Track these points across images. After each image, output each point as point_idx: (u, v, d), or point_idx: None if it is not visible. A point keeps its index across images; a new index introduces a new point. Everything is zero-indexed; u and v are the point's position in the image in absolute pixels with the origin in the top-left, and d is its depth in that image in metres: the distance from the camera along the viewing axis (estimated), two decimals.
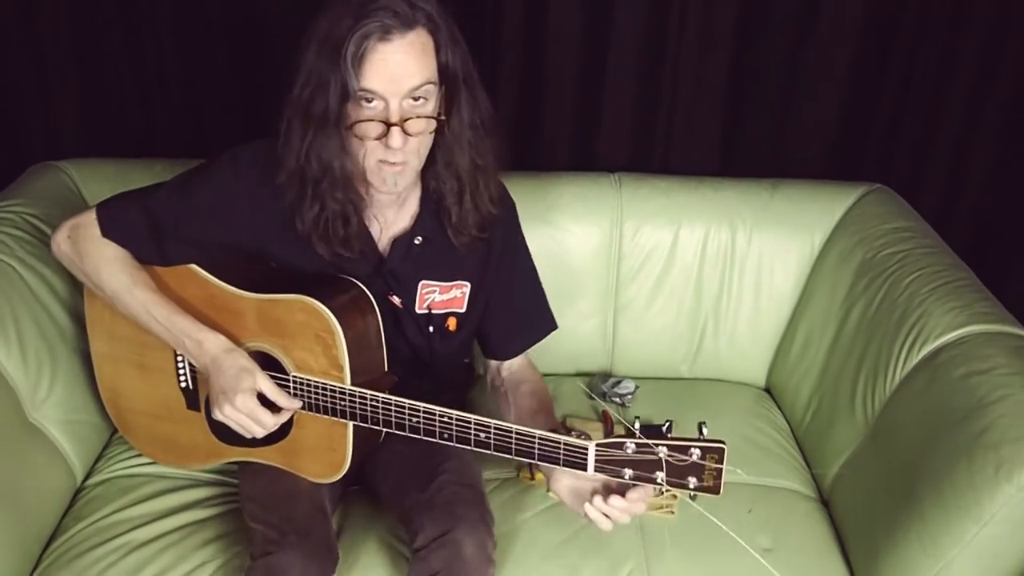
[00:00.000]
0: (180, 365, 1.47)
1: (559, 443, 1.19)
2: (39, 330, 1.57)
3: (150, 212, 1.37)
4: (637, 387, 1.88)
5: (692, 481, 1.15)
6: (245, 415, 1.30)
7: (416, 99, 1.20)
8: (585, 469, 1.19)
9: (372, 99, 1.19)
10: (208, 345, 1.33)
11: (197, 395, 1.48)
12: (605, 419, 1.78)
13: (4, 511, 1.39)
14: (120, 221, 1.39)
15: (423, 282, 1.41)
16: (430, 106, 1.22)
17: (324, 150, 1.23)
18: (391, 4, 1.17)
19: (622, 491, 1.19)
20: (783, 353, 1.89)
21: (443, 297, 1.43)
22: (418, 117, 1.21)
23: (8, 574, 1.37)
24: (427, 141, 1.26)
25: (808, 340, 1.81)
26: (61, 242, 1.42)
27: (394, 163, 1.22)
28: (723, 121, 2.02)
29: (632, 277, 1.89)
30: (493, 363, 1.55)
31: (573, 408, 1.83)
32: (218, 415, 1.33)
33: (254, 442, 1.37)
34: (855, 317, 1.69)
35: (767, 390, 1.95)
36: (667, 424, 1.18)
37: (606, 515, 1.19)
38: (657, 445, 1.14)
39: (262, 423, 1.31)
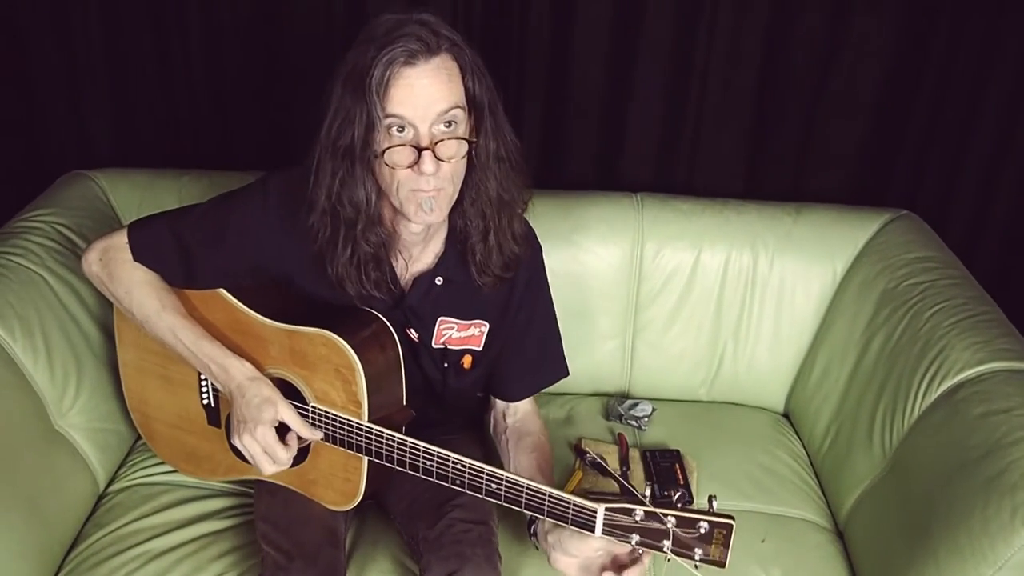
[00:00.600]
0: (203, 382, 1.50)
1: (569, 503, 1.20)
2: (66, 339, 1.60)
3: (180, 238, 1.38)
4: (654, 410, 1.87)
5: (698, 553, 1.15)
6: (262, 447, 1.32)
7: (447, 125, 1.19)
8: (593, 531, 1.19)
9: (403, 127, 1.18)
10: (234, 372, 1.35)
11: (218, 412, 1.50)
12: (620, 442, 1.78)
13: (28, 517, 1.42)
14: (151, 246, 1.40)
15: (441, 318, 1.41)
16: (460, 132, 1.21)
17: (355, 187, 1.22)
18: (414, 31, 1.16)
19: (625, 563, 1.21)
20: (802, 379, 1.88)
21: (460, 335, 1.43)
22: (449, 139, 1.19)
23: None
24: (460, 169, 1.24)
25: (828, 368, 1.80)
26: (92, 263, 1.44)
27: (427, 191, 1.21)
28: (749, 141, 2.01)
29: (652, 299, 1.89)
30: (499, 404, 1.54)
31: (589, 429, 1.83)
32: (237, 442, 1.35)
33: None
34: (875, 347, 1.68)
35: (786, 415, 1.94)
36: (680, 493, 1.18)
37: None
38: (666, 515, 1.14)
39: (276, 457, 1.32)
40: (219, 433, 1.51)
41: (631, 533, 1.17)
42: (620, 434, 1.80)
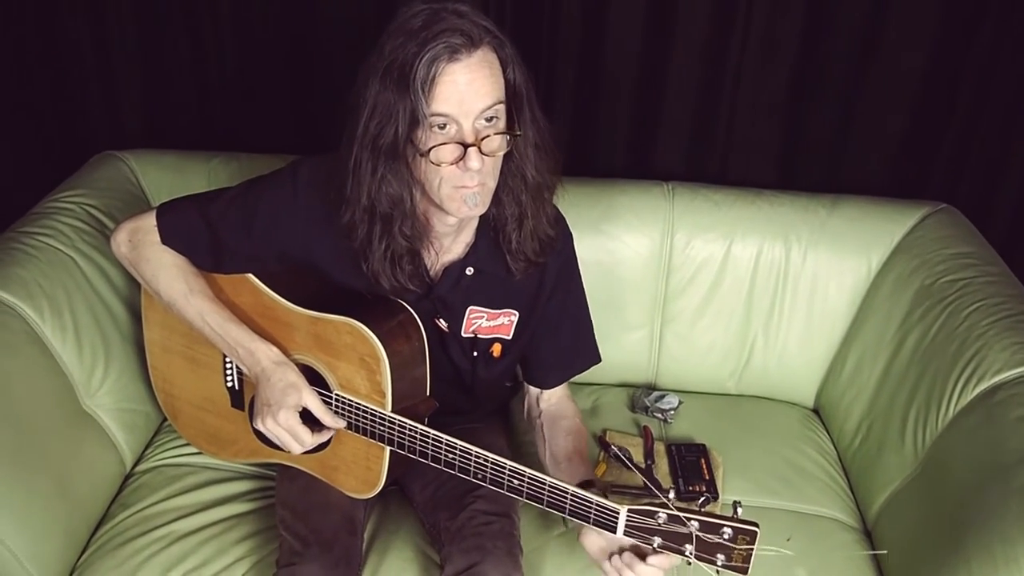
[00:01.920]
0: (228, 365, 1.50)
1: (591, 502, 1.18)
2: (95, 320, 1.61)
3: (209, 223, 1.38)
4: (681, 402, 1.85)
5: (720, 558, 1.13)
6: (286, 431, 1.32)
7: (489, 120, 1.17)
8: (614, 531, 1.18)
9: (445, 124, 1.16)
10: (260, 355, 1.35)
11: (242, 395, 1.51)
12: (646, 435, 1.76)
13: (56, 496, 1.44)
14: (180, 230, 1.40)
15: (471, 307, 1.40)
16: (501, 125, 1.20)
17: (396, 184, 1.20)
18: (455, 25, 1.13)
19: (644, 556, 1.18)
20: (834, 375, 1.85)
21: (490, 323, 1.42)
22: (494, 134, 1.18)
23: (56, 560, 1.42)
24: (500, 162, 1.23)
25: (860, 364, 1.76)
26: (121, 244, 1.44)
27: (472, 187, 1.19)
28: (784, 131, 1.97)
29: (681, 290, 1.86)
30: (533, 391, 1.53)
31: (614, 421, 1.82)
32: (259, 426, 1.35)
33: None
34: (910, 345, 1.64)
35: (816, 411, 1.91)
36: (704, 498, 1.16)
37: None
38: (689, 519, 1.13)
39: (301, 441, 1.32)
40: (242, 416, 1.52)
41: (653, 535, 1.16)
42: (645, 427, 1.78)
